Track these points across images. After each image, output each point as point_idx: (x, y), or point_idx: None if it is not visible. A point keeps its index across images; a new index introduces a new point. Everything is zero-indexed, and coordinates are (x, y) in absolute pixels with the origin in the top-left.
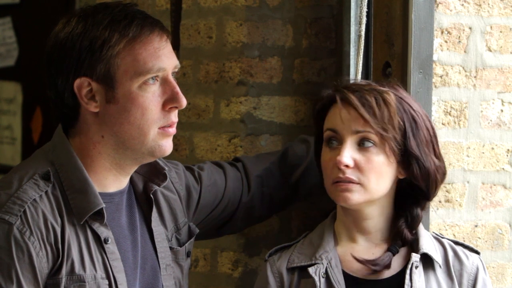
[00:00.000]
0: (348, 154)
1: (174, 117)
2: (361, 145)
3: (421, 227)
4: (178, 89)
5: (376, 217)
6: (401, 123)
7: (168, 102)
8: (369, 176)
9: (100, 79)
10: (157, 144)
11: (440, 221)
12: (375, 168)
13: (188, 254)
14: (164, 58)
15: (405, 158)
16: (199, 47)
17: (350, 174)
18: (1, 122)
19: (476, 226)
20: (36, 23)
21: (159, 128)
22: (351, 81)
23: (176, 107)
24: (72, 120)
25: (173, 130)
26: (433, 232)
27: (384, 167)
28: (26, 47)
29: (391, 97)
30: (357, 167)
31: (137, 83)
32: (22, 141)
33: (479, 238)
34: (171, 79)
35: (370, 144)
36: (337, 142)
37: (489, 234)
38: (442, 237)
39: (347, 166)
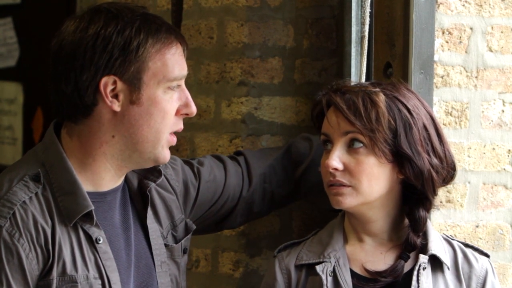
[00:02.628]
0: (337, 157)
1: (182, 123)
2: (351, 146)
3: (430, 228)
4: (190, 97)
5: (381, 219)
6: (392, 123)
7: (182, 108)
8: (360, 178)
9: (129, 80)
10: (164, 151)
11: (441, 221)
12: (365, 170)
13: (184, 251)
14: (185, 66)
15: (398, 158)
16: (200, 47)
17: (341, 177)
18: (2, 122)
19: (477, 226)
20: (37, 23)
21: (169, 134)
22: (346, 83)
23: (187, 114)
24: (80, 118)
25: (175, 140)
26: (444, 234)
27: (375, 168)
28: (27, 48)
29: (380, 98)
30: (348, 170)
31: (163, 88)
32: (23, 142)
33: (480, 238)
34: (184, 87)
35: (360, 145)
36: (331, 145)
37: (490, 234)
38: (452, 239)
39: (336, 169)
